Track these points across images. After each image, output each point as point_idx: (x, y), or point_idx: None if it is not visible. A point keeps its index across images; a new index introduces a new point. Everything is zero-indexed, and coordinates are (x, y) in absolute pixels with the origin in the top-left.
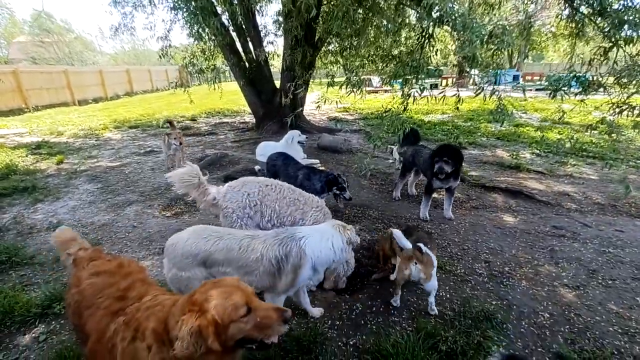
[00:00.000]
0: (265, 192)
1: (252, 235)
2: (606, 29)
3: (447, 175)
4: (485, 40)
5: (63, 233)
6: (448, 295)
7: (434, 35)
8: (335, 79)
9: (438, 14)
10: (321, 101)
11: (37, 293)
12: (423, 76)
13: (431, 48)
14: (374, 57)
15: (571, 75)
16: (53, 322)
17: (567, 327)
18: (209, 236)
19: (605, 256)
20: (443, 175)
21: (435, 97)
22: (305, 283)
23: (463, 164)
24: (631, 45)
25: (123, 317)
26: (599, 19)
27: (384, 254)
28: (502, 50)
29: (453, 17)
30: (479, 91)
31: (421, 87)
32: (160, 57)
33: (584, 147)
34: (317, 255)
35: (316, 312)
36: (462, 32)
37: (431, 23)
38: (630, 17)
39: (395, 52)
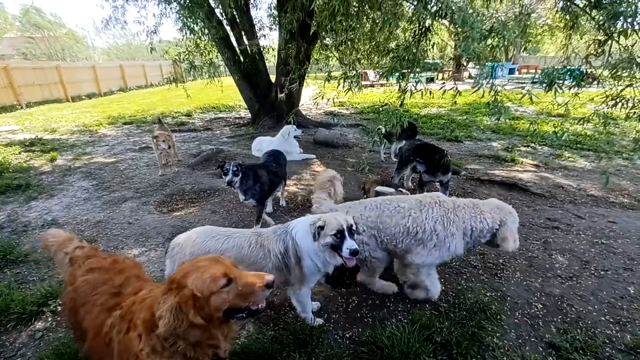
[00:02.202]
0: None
1: (258, 233)
2: (601, 21)
3: (434, 170)
4: (485, 36)
5: (58, 234)
6: (443, 288)
7: (431, 29)
8: (332, 74)
9: (435, 8)
10: (319, 97)
11: (32, 290)
12: (419, 70)
13: (428, 42)
14: (370, 51)
15: (565, 69)
16: (49, 319)
17: (560, 317)
18: (218, 235)
19: (598, 247)
20: (418, 173)
21: (431, 92)
22: (315, 274)
23: (450, 158)
24: (626, 37)
25: (119, 311)
26: (594, 11)
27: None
28: (501, 46)
29: (451, 11)
30: (478, 87)
31: (417, 81)
32: (149, 51)
33: (578, 140)
34: (305, 244)
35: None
36: (461, 27)
37: (428, 17)
38: (626, 9)
39: (392, 45)
